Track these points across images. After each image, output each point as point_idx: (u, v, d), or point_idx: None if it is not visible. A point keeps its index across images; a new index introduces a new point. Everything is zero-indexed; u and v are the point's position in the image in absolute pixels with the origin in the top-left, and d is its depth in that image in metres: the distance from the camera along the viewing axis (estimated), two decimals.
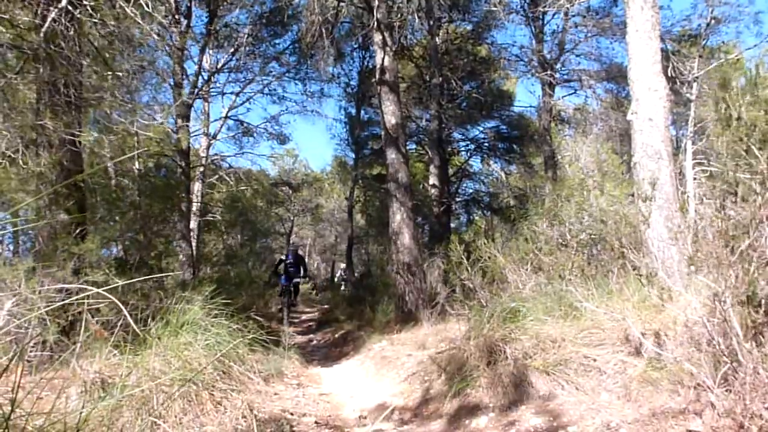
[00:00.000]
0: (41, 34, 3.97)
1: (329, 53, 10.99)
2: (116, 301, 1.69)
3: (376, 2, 8.41)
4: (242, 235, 13.63)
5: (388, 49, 8.85)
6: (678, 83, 6.86)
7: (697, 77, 6.99)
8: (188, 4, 10.94)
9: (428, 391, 4.25)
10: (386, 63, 8.81)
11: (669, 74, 5.87)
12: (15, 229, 4.46)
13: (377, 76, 9.00)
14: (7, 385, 1.60)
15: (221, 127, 14.66)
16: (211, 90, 13.86)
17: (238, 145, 15.45)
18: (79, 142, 4.20)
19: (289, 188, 19.84)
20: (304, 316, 14.26)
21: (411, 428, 3.79)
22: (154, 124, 4.89)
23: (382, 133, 9.00)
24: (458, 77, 14.01)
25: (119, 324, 3.51)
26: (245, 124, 15.04)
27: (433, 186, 14.01)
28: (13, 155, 4.16)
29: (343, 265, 18.60)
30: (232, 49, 12.83)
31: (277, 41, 13.70)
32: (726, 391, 2.52)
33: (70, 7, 4.09)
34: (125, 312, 1.75)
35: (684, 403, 2.73)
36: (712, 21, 8.73)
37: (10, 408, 1.54)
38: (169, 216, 7.79)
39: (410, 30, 11.75)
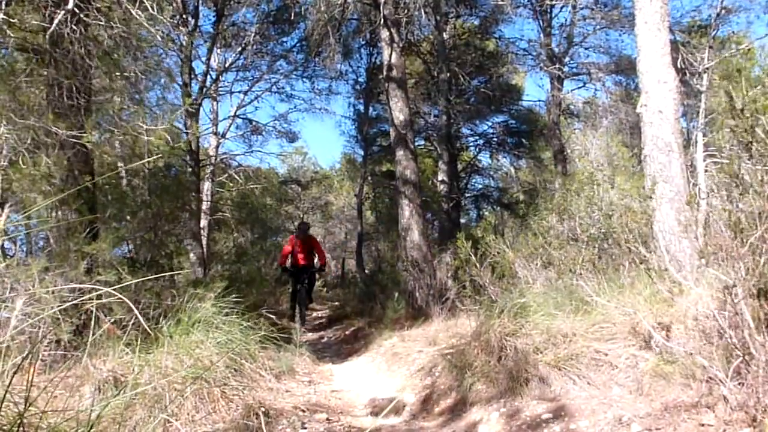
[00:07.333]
0: (47, 37, 4.01)
1: (336, 50, 10.99)
2: (126, 300, 1.70)
3: None
4: (252, 233, 13.67)
5: (395, 45, 8.84)
6: (688, 74, 6.78)
7: (707, 68, 6.91)
8: (195, 4, 10.98)
9: (439, 386, 4.26)
10: (393, 59, 8.79)
11: (679, 66, 5.81)
12: (28, 230, 4.51)
13: (385, 73, 9.00)
14: (21, 384, 1.62)
15: (230, 125, 14.71)
16: (220, 89, 13.90)
17: (247, 144, 15.51)
18: (85, 145, 4.23)
19: (299, 186, 19.88)
20: (314, 314, 14.30)
21: (421, 423, 3.80)
22: (163, 124, 4.91)
23: (391, 129, 9.00)
24: (466, 72, 13.94)
25: (132, 323, 3.54)
26: (254, 123, 15.08)
27: (442, 182, 13.97)
28: (15, 156, 4.21)
29: None
30: (240, 48, 12.86)
31: (284, 39, 13.75)
32: (738, 384, 2.50)
33: (76, 10, 4.12)
34: (136, 311, 1.76)
35: (696, 397, 2.72)
36: (723, 11, 8.63)
37: (24, 406, 1.56)
38: (180, 215, 7.82)
39: (417, 26, 11.71)
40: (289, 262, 8.93)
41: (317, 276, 9.78)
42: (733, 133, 2.79)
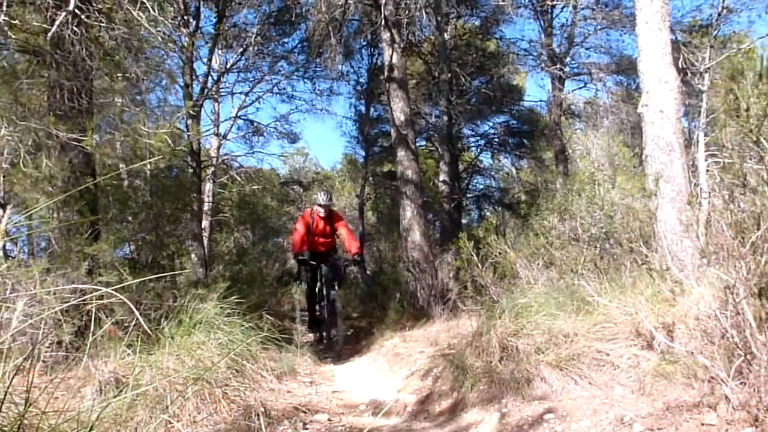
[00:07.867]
0: (48, 38, 4.02)
1: (338, 51, 11.00)
2: (127, 301, 1.70)
3: None
4: (254, 234, 13.67)
5: (396, 46, 8.84)
6: (689, 74, 6.77)
7: (708, 68, 6.89)
8: (197, 5, 10.98)
9: (440, 386, 4.25)
10: (394, 60, 8.80)
11: (680, 65, 5.80)
12: (30, 231, 4.52)
13: (386, 74, 9.00)
14: (22, 385, 1.63)
15: (231, 127, 14.68)
16: (221, 90, 13.90)
17: (248, 145, 15.48)
18: (86, 146, 4.24)
19: (300, 187, 19.86)
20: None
21: (422, 423, 3.80)
22: (164, 125, 4.93)
23: (392, 130, 9.01)
24: (467, 73, 13.93)
25: (133, 324, 3.54)
26: (255, 124, 15.06)
27: (444, 182, 13.97)
28: (16, 159, 4.22)
29: None
30: (241, 49, 12.85)
31: (285, 40, 13.72)
32: (740, 383, 2.49)
33: (77, 11, 4.12)
34: (137, 312, 1.76)
35: (698, 397, 2.71)
36: (724, 10, 8.61)
37: (24, 407, 1.56)
38: (181, 216, 7.83)
39: (418, 26, 11.71)
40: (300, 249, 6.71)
41: (345, 270, 7.11)
42: (739, 131, 2.79)
